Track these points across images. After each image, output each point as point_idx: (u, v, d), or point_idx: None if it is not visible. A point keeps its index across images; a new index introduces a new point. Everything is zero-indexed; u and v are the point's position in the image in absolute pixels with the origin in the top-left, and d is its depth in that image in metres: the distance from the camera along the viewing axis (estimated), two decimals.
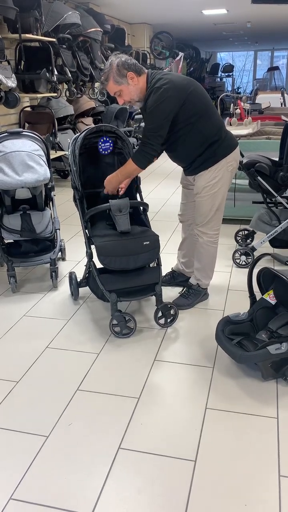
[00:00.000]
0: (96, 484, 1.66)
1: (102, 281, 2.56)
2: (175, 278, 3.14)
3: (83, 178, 2.79)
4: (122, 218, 2.53)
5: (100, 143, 2.76)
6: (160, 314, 2.64)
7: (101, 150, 2.78)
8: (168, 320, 2.66)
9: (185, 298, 2.90)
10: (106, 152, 2.79)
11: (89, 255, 2.68)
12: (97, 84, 7.47)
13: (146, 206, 2.77)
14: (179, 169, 2.87)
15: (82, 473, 1.70)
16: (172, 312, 2.66)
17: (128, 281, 2.59)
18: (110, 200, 2.55)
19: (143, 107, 2.53)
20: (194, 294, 2.90)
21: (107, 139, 2.76)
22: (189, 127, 2.50)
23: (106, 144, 2.77)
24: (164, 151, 2.71)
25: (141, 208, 2.81)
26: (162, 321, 2.65)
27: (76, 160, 2.67)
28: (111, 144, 2.78)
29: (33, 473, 1.71)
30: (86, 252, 2.70)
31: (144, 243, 2.54)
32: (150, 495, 1.61)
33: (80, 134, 2.69)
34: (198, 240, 2.80)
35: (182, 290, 2.97)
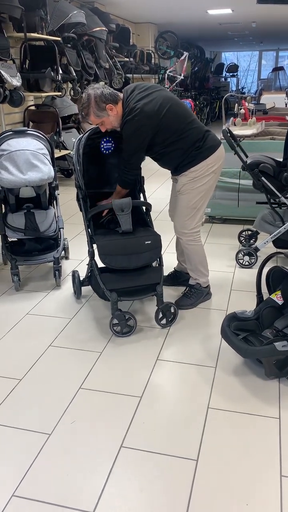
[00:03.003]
0: (98, 482, 1.66)
1: (103, 280, 2.57)
2: (178, 277, 3.15)
3: (87, 177, 2.80)
4: (124, 218, 2.53)
5: (102, 143, 2.76)
6: (161, 314, 2.64)
7: (103, 149, 2.78)
8: (169, 319, 2.66)
9: (188, 298, 2.91)
10: (107, 152, 2.80)
11: (91, 254, 2.69)
12: (101, 83, 7.47)
13: (149, 206, 2.77)
14: None
15: (84, 471, 1.71)
16: (172, 311, 2.66)
17: (129, 280, 2.59)
18: (113, 200, 2.56)
19: (121, 130, 2.57)
20: (196, 294, 2.91)
21: (109, 139, 2.76)
22: (168, 147, 2.59)
23: (108, 144, 2.77)
24: None
25: (144, 208, 2.81)
26: (163, 321, 2.65)
27: (80, 160, 2.68)
28: (113, 145, 2.78)
29: (35, 470, 1.71)
30: (88, 251, 2.71)
31: (146, 242, 2.54)
32: (151, 493, 1.62)
33: (85, 133, 2.69)
34: (179, 240, 2.85)
35: (185, 290, 2.98)
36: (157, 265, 2.71)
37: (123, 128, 2.50)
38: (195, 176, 2.63)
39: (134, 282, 2.61)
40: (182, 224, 2.76)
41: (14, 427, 1.93)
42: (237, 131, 4.49)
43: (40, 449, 1.81)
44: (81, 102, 2.54)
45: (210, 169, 2.64)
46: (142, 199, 2.86)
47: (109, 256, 2.51)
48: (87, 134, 2.68)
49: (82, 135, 2.72)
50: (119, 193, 2.71)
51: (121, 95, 2.54)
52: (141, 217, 2.81)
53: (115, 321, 2.54)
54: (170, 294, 3.03)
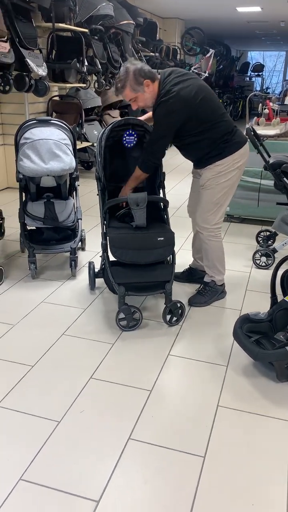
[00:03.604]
0: (105, 472, 1.68)
1: (113, 273, 2.57)
2: (193, 275, 3.14)
3: (109, 170, 2.80)
4: (138, 212, 2.51)
5: (125, 135, 2.74)
6: (168, 312, 2.61)
7: (125, 143, 2.76)
8: (176, 318, 2.64)
9: (202, 295, 2.90)
10: (129, 146, 2.77)
11: (104, 246, 2.69)
12: None
13: (165, 202, 2.74)
14: None
15: (91, 460, 1.72)
16: (180, 309, 2.64)
17: (138, 275, 2.58)
18: (128, 194, 2.55)
19: (154, 112, 2.55)
20: (210, 292, 2.90)
21: (132, 132, 2.74)
22: (197, 136, 2.56)
23: (131, 137, 2.75)
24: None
25: (162, 204, 2.80)
26: (171, 319, 2.63)
27: (102, 151, 2.68)
28: (136, 138, 2.76)
29: (43, 456, 1.73)
30: (101, 243, 2.71)
31: (159, 239, 2.52)
32: (157, 486, 1.62)
33: (108, 125, 2.69)
34: (199, 235, 2.83)
35: (199, 287, 2.96)
36: (169, 263, 2.70)
37: (156, 110, 2.48)
38: (220, 171, 2.61)
39: (143, 277, 2.59)
40: (204, 219, 2.74)
41: (24, 412, 1.95)
42: (260, 130, 4.44)
43: (49, 436, 1.83)
44: (118, 75, 2.50)
45: (235, 164, 2.62)
46: (161, 195, 2.85)
47: (120, 250, 2.50)
48: (110, 126, 2.67)
49: (106, 127, 2.72)
50: (138, 178, 2.66)
51: (158, 75, 2.52)
52: (159, 213, 2.80)
53: (121, 315, 2.54)
54: (186, 291, 3.03)
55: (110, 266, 2.60)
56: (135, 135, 2.76)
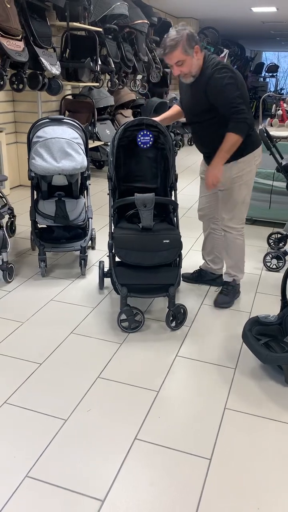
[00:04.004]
0: (110, 471, 1.68)
1: (117, 273, 2.56)
2: (203, 277, 3.13)
3: (123, 171, 2.78)
4: (145, 213, 2.47)
5: (139, 136, 2.71)
6: (171, 317, 2.58)
7: (140, 143, 2.73)
8: (179, 322, 2.61)
9: (226, 295, 2.90)
10: (145, 146, 2.74)
11: (110, 246, 2.66)
12: (139, 76, 7.46)
13: (174, 204, 2.69)
14: None
15: (97, 459, 1.72)
16: (183, 314, 2.61)
17: (142, 277, 2.55)
18: (136, 194, 2.51)
19: (193, 83, 2.50)
20: (233, 291, 2.92)
21: (148, 132, 2.69)
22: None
23: (146, 138, 2.71)
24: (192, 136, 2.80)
25: (171, 206, 2.78)
26: (173, 323, 2.60)
27: (114, 151, 2.67)
28: (152, 138, 2.72)
29: (49, 454, 1.74)
30: (108, 242, 2.68)
31: (164, 241, 2.48)
32: (162, 487, 1.62)
33: (122, 125, 2.68)
34: (226, 235, 2.80)
35: (220, 288, 2.96)
36: (175, 266, 2.66)
37: (211, 81, 2.41)
38: (244, 168, 2.62)
39: (147, 280, 2.56)
40: (232, 218, 2.75)
41: (31, 409, 1.96)
42: (273, 132, 4.41)
43: (55, 434, 1.83)
44: (167, 36, 2.39)
45: (255, 161, 2.66)
46: (172, 197, 2.83)
47: (124, 250, 2.49)
48: (124, 125, 2.66)
49: (120, 127, 2.70)
50: (235, 144, 2.46)
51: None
52: (168, 215, 2.78)
53: (123, 316, 2.52)
54: (196, 293, 3.01)
55: (115, 266, 2.60)
56: (150, 136, 2.72)
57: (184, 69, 2.45)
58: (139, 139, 2.72)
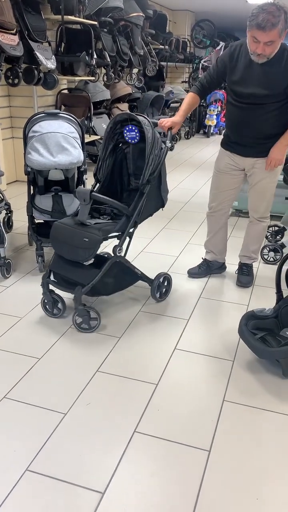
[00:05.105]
0: (110, 464, 1.69)
1: (52, 259, 2.58)
2: (211, 267, 3.18)
3: (109, 166, 2.72)
4: (82, 208, 2.46)
5: (125, 131, 2.61)
6: (77, 318, 2.48)
7: (127, 138, 2.65)
8: (85, 324, 2.49)
9: (248, 275, 3.08)
10: (133, 141, 2.65)
11: None
12: (135, 70, 7.43)
13: (121, 208, 2.50)
14: (212, 159, 2.84)
15: (97, 452, 1.73)
16: (92, 315, 2.49)
17: (64, 269, 2.54)
18: (78, 187, 2.47)
19: (265, 64, 2.44)
20: (251, 270, 3.13)
21: (133, 127, 2.60)
22: (287, 103, 2.55)
23: (132, 133, 2.61)
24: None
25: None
26: (82, 325, 2.49)
27: (106, 145, 2.64)
28: (137, 133, 2.59)
29: (49, 448, 1.75)
30: None
31: (84, 239, 2.40)
32: (162, 479, 1.63)
33: (111, 121, 2.61)
34: (259, 225, 2.95)
35: (238, 270, 3.12)
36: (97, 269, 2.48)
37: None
38: None
39: (67, 272, 2.53)
40: (266, 210, 2.90)
41: (31, 404, 1.96)
42: None
43: (55, 427, 1.84)
44: (265, 10, 2.25)
45: None
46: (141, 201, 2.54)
47: (54, 239, 2.51)
48: (113, 119, 2.60)
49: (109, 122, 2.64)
50: None
51: None
52: (122, 218, 2.56)
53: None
54: (200, 285, 3.02)
55: (55, 253, 2.58)
56: (136, 131, 2.60)
57: (269, 50, 2.34)
58: (126, 135, 2.64)
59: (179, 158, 7.03)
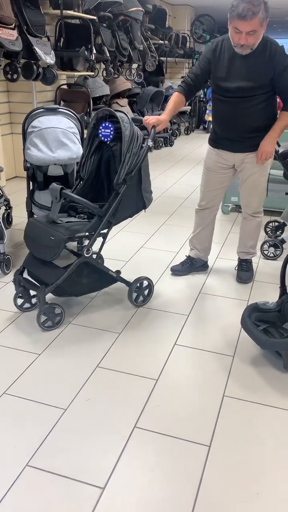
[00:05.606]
0: (110, 459, 1.69)
1: (27, 256, 2.55)
2: (194, 264, 3.16)
3: (94, 163, 2.65)
4: (54, 206, 2.41)
5: (100, 128, 2.52)
6: (42, 317, 2.42)
7: (100, 136, 2.55)
8: (55, 322, 2.47)
9: (247, 271, 3.06)
10: (106, 140, 2.54)
11: None
12: (134, 65, 7.40)
13: (93, 208, 2.42)
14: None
15: (97, 448, 1.73)
16: (56, 312, 2.46)
17: (34, 266, 2.49)
18: (52, 184, 2.38)
19: (250, 56, 2.45)
20: (251, 266, 3.12)
21: (108, 124, 2.49)
22: (270, 96, 2.57)
23: (107, 130, 2.51)
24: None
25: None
26: (46, 324, 2.45)
27: (89, 142, 2.59)
28: (112, 131, 2.50)
29: (49, 443, 1.75)
30: None
31: (51, 237, 2.36)
32: (162, 474, 1.63)
33: (94, 116, 2.55)
34: (253, 221, 2.94)
35: (238, 266, 3.11)
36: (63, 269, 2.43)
37: (277, 56, 2.44)
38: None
39: (36, 270, 2.49)
40: (259, 205, 2.89)
41: (31, 399, 1.96)
42: None
43: (55, 423, 1.84)
44: (245, 0, 2.25)
45: None
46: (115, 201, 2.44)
47: (26, 236, 2.49)
48: (95, 115, 2.53)
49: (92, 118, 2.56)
50: (285, 123, 2.63)
51: None
52: (94, 217, 2.48)
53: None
54: (198, 281, 3.01)
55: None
56: (111, 129, 2.50)
57: (251, 40, 2.36)
58: (100, 132, 2.55)
59: (179, 154, 7.02)
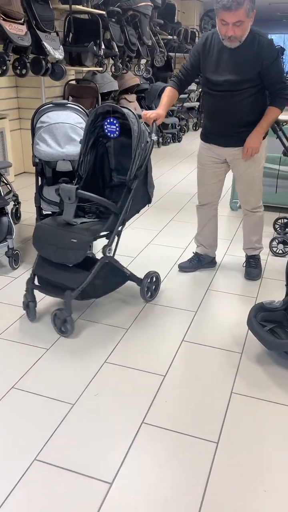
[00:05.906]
0: (118, 454, 1.69)
1: (36, 261, 2.43)
2: (202, 261, 3.14)
3: (92, 161, 2.61)
4: (68, 207, 2.32)
5: (105, 124, 2.49)
6: (56, 323, 2.38)
7: (107, 132, 2.52)
8: (61, 329, 2.38)
9: (256, 268, 3.04)
10: (112, 136, 2.52)
11: None
12: (143, 61, 7.36)
13: (110, 206, 2.39)
14: None
15: (105, 443, 1.74)
16: (64, 322, 2.36)
17: (50, 272, 2.39)
18: (61, 184, 2.33)
19: (238, 49, 2.44)
20: (259, 262, 3.08)
21: (113, 120, 2.47)
22: (259, 90, 2.55)
23: (112, 126, 2.48)
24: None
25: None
26: (62, 328, 2.38)
27: (86, 139, 2.54)
28: (118, 127, 2.48)
29: (58, 438, 1.75)
30: None
31: (72, 240, 2.29)
32: (170, 470, 1.63)
33: (93, 112, 2.51)
34: (254, 216, 2.92)
35: (246, 263, 3.08)
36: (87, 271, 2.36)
37: (266, 49, 2.43)
38: (263, 148, 2.68)
39: (52, 276, 2.38)
40: (257, 200, 2.87)
41: (39, 394, 1.97)
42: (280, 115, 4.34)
43: (63, 418, 1.85)
44: None
45: (265, 142, 2.71)
46: (128, 198, 2.42)
47: (38, 241, 2.39)
48: (94, 111, 2.48)
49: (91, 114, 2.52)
50: (275, 119, 2.62)
51: None
52: (109, 215, 2.47)
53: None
54: (204, 279, 3.01)
55: (39, 255, 2.45)
56: (116, 125, 2.48)
57: (239, 31, 2.36)
58: (106, 128, 2.52)
59: (187, 150, 6.99)
